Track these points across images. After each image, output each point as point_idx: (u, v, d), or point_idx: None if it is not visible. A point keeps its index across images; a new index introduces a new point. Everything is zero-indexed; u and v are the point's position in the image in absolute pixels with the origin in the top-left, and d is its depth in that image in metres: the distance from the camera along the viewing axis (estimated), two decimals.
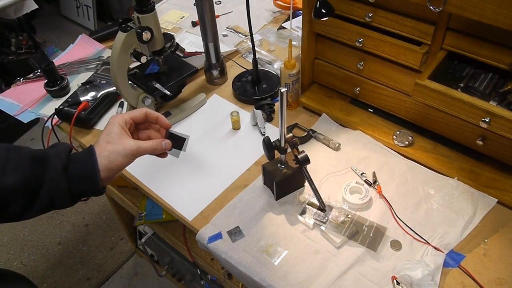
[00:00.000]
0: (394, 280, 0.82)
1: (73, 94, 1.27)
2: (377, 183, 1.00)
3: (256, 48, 1.23)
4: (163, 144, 0.83)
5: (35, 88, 1.37)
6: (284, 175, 0.96)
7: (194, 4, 1.30)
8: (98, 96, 1.25)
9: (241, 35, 1.55)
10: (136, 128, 0.87)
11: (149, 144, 0.81)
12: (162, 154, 0.86)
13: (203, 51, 1.30)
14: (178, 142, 0.87)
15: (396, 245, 0.89)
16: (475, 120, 0.83)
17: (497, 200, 0.94)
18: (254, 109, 1.18)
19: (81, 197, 0.80)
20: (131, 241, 1.92)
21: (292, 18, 1.54)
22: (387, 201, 0.96)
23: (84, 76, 1.38)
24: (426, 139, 1.07)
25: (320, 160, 1.07)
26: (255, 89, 1.27)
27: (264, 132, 1.15)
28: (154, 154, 0.84)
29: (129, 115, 0.82)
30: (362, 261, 0.87)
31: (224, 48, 1.39)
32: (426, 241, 0.88)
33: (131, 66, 1.12)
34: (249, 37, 1.22)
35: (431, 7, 0.77)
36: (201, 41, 1.27)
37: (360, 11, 0.97)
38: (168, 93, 1.15)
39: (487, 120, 0.80)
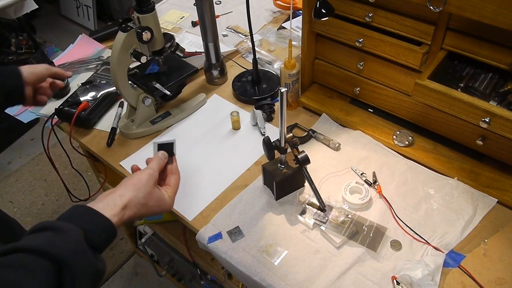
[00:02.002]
0: (394, 280, 0.82)
1: (73, 94, 1.27)
2: (377, 183, 1.00)
3: (256, 48, 1.23)
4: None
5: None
6: (284, 175, 0.96)
7: (194, 4, 1.30)
8: (98, 96, 1.25)
9: (241, 35, 1.55)
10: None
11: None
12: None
13: (203, 51, 1.30)
14: (168, 148, 0.91)
15: (396, 245, 0.89)
16: (475, 120, 0.83)
17: (497, 200, 0.94)
18: (254, 109, 1.18)
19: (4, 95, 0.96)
20: (131, 241, 1.92)
21: (292, 18, 1.54)
22: (387, 201, 0.96)
23: (84, 76, 1.38)
24: (426, 139, 1.07)
25: (320, 160, 1.07)
26: (255, 89, 1.27)
27: (264, 132, 1.15)
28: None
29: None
30: (362, 261, 0.87)
31: (224, 48, 1.39)
32: (426, 241, 0.88)
33: (131, 66, 1.12)
34: (249, 37, 1.22)
35: (431, 7, 0.77)
36: (201, 41, 1.27)
37: (360, 11, 0.97)
38: (168, 93, 1.15)
39: (487, 120, 0.80)
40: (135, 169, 0.85)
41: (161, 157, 0.86)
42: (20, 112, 1.30)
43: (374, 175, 1.01)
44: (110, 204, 0.71)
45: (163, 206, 0.80)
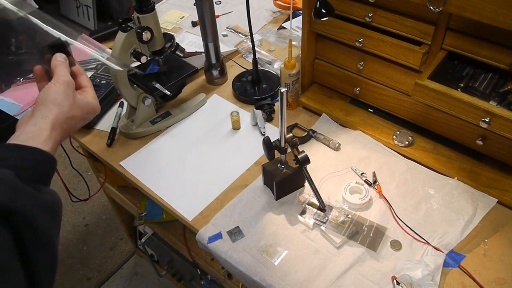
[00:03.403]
0: (394, 280, 0.82)
1: None
2: (377, 183, 1.00)
3: (256, 48, 1.23)
4: None
5: (35, 88, 1.36)
6: (284, 175, 0.96)
7: (194, 4, 1.30)
8: (98, 96, 1.25)
9: (241, 35, 1.55)
10: None
11: None
12: None
13: (203, 51, 1.30)
14: (62, 49, 0.79)
15: (396, 245, 0.89)
16: (475, 120, 0.83)
17: (497, 200, 0.94)
18: (254, 109, 1.18)
19: None
20: (131, 241, 1.92)
21: (292, 18, 1.54)
22: (387, 201, 0.96)
23: None
24: (426, 139, 1.07)
25: (320, 160, 1.07)
26: (255, 89, 1.27)
27: (264, 132, 1.15)
28: None
29: None
30: (362, 261, 0.87)
31: (224, 48, 1.39)
32: (426, 241, 0.88)
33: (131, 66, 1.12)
34: (249, 37, 1.22)
35: (431, 7, 0.77)
36: (201, 41, 1.27)
37: (360, 11, 0.97)
38: (168, 93, 1.15)
39: (487, 120, 0.80)
40: (38, 73, 0.75)
41: (63, 60, 0.76)
42: (20, 112, 1.30)
43: (374, 175, 1.01)
44: (35, 132, 0.64)
45: (91, 111, 0.75)
